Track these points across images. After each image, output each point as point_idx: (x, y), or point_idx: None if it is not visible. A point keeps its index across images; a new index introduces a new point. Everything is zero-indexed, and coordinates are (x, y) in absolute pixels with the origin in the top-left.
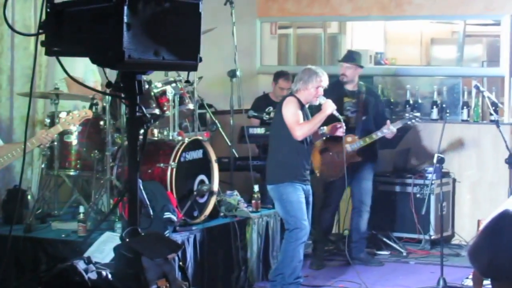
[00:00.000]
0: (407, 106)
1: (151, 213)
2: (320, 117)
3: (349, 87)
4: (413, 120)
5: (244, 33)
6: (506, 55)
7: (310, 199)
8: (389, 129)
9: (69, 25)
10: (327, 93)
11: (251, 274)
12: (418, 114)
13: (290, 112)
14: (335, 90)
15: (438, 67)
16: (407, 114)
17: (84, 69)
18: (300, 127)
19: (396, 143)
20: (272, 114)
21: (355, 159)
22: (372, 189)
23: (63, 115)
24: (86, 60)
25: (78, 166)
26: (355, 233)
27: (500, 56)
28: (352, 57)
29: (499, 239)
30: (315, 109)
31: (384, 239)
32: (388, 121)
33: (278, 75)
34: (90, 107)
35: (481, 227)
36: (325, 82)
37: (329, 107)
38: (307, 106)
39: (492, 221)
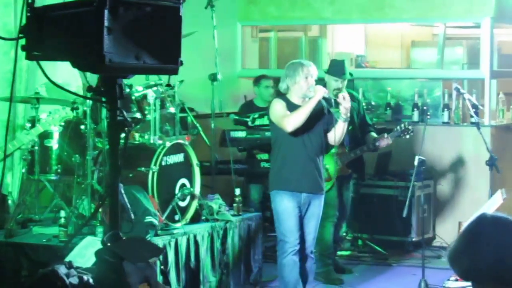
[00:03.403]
0: (388, 108)
1: (133, 217)
2: (310, 102)
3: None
4: (406, 134)
5: (225, 36)
6: (486, 57)
7: (316, 210)
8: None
9: (50, 29)
10: None
11: (233, 277)
12: (410, 127)
13: (275, 111)
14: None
15: (418, 69)
16: (398, 127)
17: (67, 73)
18: (286, 119)
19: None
20: (257, 121)
21: (345, 172)
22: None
23: (43, 116)
24: (69, 63)
25: (59, 170)
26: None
27: (480, 59)
28: (345, 69)
29: (478, 242)
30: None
31: (366, 241)
32: (385, 135)
33: (258, 78)
34: (71, 111)
35: (461, 230)
36: (313, 70)
37: (319, 90)
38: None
39: (470, 224)
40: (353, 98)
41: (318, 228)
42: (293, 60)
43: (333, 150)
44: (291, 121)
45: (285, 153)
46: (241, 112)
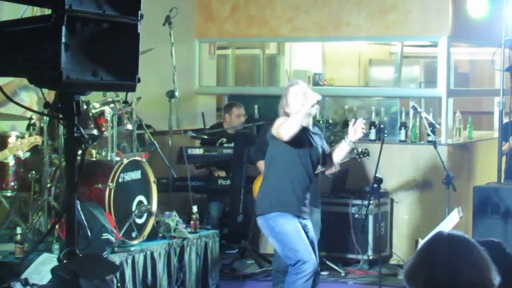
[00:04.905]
0: (345, 126)
1: (89, 234)
2: (304, 107)
3: None
4: (361, 156)
5: (182, 53)
6: (443, 76)
7: (311, 234)
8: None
9: (6, 45)
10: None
11: None
12: (366, 150)
13: (277, 124)
14: None
15: (376, 87)
16: (357, 149)
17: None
18: (282, 126)
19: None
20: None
21: None
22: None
23: (12, 139)
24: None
25: (15, 187)
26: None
27: (437, 77)
28: None
29: (434, 260)
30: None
31: (323, 259)
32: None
33: (230, 106)
34: (28, 128)
35: (418, 247)
36: (303, 87)
37: (312, 96)
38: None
39: (426, 242)
40: (315, 127)
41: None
42: (251, 77)
43: None
44: (287, 128)
45: (287, 174)
46: (210, 134)
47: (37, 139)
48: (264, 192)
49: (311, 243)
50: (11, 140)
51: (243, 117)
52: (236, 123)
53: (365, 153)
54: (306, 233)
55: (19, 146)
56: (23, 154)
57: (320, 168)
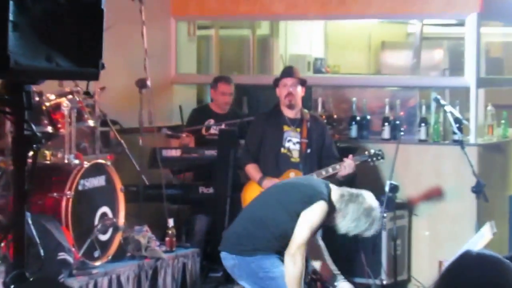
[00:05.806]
0: (353, 123)
1: (42, 253)
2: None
3: (290, 114)
4: (374, 159)
5: (156, 34)
6: (472, 61)
7: None
8: (345, 166)
9: None
10: (263, 122)
11: None
12: (381, 152)
13: (314, 219)
14: (273, 118)
15: (390, 76)
16: (370, 151)
17: None
18: (298, 255)
19: None
20: (211, 129)
21: None
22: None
23: None
24: None
25: None
26: None
27: (465, 63)
28: (294, 72)
29: (461, 285)
30: None
31: (326, 284)
32: (350, 156)
33: (216, 80)
34: None
35: (442, 269)
36: None
37: None
38: None
39: (452, 264)
40: (316, 122)
41: None
42: (238, 63)
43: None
44: (291, 263)
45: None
46: (192, 118)
47: None
48: (261, 236)
49: None
50: None
51: (230, 96)
52: (221, 101)
53: (379, 155)
54: None
55: None
56: None
57: (331, 171)
